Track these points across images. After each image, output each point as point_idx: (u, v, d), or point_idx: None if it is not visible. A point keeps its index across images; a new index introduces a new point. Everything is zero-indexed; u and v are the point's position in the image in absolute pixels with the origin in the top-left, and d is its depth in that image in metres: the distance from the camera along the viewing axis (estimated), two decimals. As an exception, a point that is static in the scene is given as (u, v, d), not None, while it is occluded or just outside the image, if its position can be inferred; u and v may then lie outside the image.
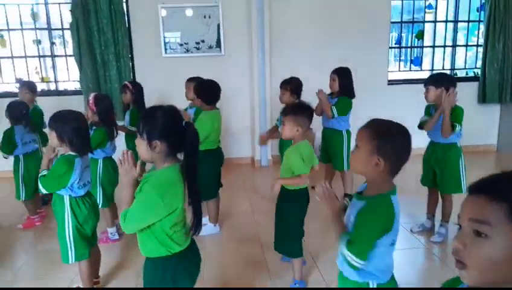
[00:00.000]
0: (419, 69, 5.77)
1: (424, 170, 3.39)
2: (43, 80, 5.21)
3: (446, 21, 5.63)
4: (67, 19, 4.96)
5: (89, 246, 2.45)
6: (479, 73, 5.65)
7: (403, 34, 5.73)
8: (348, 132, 3.94)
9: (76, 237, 2.35)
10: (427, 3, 5.51)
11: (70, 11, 4.80)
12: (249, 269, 2.94)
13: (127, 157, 1.68)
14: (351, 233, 1.49)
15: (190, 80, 4.07)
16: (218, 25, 5.14)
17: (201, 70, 4.97)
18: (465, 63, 5.91)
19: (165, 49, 5.14)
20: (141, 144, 1.63)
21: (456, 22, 5.66)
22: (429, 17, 5.57)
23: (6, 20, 4.97)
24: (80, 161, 2.33)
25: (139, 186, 1.67)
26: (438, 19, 5.60)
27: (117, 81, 5.05)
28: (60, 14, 5.06)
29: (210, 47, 5.21)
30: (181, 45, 5.16)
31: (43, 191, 2.29)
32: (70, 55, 5.12)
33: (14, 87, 5.19)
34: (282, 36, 5.24)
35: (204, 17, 5.11)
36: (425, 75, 5.81)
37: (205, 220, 3.58)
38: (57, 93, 5.20)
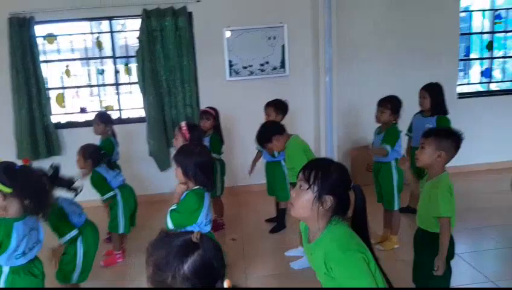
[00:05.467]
0: (489, 81, 5.52)
1: None
2: (106, 108, 5.16)
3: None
4: (132, 46, 4.95)
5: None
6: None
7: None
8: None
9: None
10: (496, 13, 5.30)
11: (138, 38, 4.76)
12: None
13: None
14: None
15: (267, 104, 3.95)
16: (283, 46, 5.02)
17: (266, 92, 4.87)
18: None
19: (230, 73, 5.04)
20: (304, 196, 1.44)
21: (527, 31, 5.43)
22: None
23: (72, 50, 4.97)
24: (207, 195, 2.18)
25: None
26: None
27: (182, 107, 4.96)
28: (126, 42, 5.04)
29: (274, 68, 5.09)
30: (245, 67, 5.05)
31: (171, 226, 2.14)
32: (134, 83, 5.06)
33: (77, 117, 5.16)
34: (348, 55, 5.08)
35: (269, 38, 5.00)
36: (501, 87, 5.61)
37: (300, 251, 3.37)
38: (121, 121, 5.13)
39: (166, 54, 4.85)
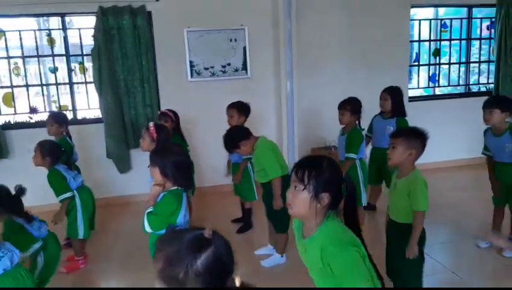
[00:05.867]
0: (436, 85, 5.91)
1: (494, 189, 3.37)
2: (60, 108, 4.90)
3: (460, 39, 5.82)
4: (87, 44, 4.74)
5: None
6: (493, 87, 5.84)
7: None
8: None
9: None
10: (442, 22, 5.69)
11: (93, 36, 4.57)
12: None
13: None
14: None
15: (230, 106, 3.92)
16: (244, 48, 5.05)
17: (227, 94, 4.89)
18: (478, 78, 6.10)
19: (191, 74, 4.99)
20: (301, 196, 1.46)
21: (469, 39, 5.86)
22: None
23: (21, 47, 4.66)
24: (185, 195, 2.15)
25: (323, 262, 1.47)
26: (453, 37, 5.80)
27: (142, 107, 4.84)
28: (80, 40, 4.81)
29: (236, 70, 5.10)
30: (206, 68, 5.03)
31: (148, 229, 2.07)
32: (90, 82, 4.86)
33: (27, 117, 4.86)
34: (308, 57, 5.21)
35: (230, 40, 5.02)
36: (443, 91, 6.00)
37: (270, 249, 3.41)
38: (76, 122, 4.89)
39: (124, 54, 4.71)
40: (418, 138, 2.29)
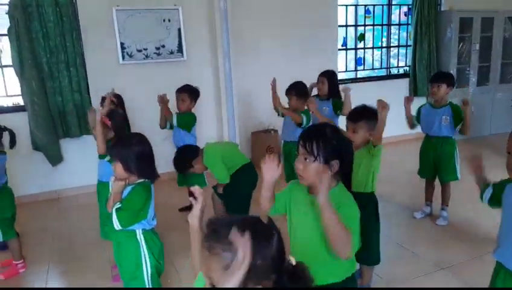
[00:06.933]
0: (362, 68, 6.27)
1: (423, 163, 3.68)
2: (-30, 96, 4.32)
3: (382, 24, 6.21)
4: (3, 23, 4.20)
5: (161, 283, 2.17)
6: (409, 70, 6.37)
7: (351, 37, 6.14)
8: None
9: (154, 277, 2.06)
10: (366, 8, 6.01)
11: (8, 14, 4.06)
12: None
13: None
14: None
15: (181, 90, 3.75)
16: (179, 29, 4.86)
17: (163, 77, 4.73)
18: (398, 61, 6.58)
19: (122, 56, 4.68)
20: (312, 166, 1.50)
21: (389, 25, 6.29)
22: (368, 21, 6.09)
23: None
24: (153, 187, 2.05)
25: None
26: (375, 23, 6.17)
27: (69, 93, 4.45)
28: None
29: (171, 52, 4.90)
30: (139, 50, 4.76)
31: (118, 226, 1.94)
32: (6, 66, 4.33)
33: None
34: (244, 38, 5.18)
35: (164, 20, 4.79)
36: (367, 74, 6.38)
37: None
38: (-9, 111, 4.36)
39: (45, 34, 4.27)
40: (373, 118, 2.42)
